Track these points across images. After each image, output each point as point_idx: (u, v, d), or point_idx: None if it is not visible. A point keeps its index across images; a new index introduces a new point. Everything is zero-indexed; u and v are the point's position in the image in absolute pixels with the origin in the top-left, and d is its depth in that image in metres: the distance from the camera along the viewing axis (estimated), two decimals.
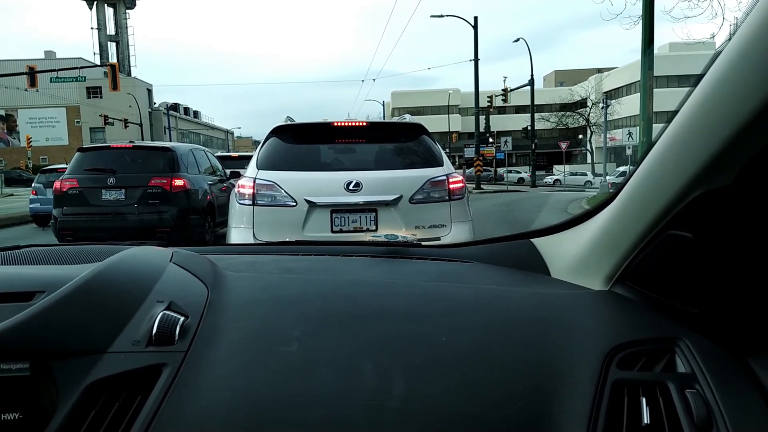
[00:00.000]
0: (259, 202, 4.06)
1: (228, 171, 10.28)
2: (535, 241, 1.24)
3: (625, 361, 0.80)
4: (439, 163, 4.36)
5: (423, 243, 1.44)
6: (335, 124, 4.49)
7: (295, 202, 4.01)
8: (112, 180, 7.66)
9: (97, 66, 48.44)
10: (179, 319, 0.82)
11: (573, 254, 1.09)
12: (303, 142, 4.57)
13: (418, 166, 4.34)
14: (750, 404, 0.71)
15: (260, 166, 4.22)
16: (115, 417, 0.71)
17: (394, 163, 4.47)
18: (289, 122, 4.70)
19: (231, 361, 0.80)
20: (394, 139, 4.66)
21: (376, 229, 4.06)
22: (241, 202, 4.12)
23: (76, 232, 7.78)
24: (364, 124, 4.58)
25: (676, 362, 0.80)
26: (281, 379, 0.77)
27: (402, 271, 1.19)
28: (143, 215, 7.61)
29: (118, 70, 24.43)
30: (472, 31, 30.28)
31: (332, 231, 4.03)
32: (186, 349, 0.79)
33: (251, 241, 3.98)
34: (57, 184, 7.86)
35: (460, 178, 4.38)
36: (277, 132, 4.48)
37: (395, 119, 5.33)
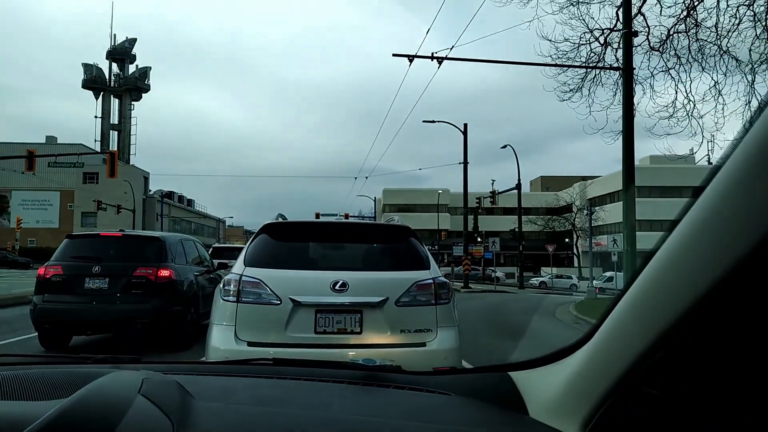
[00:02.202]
0: (243, 299, 4.02)
1: (216, 262, 10.27)
2: (513, 374, 1.23)
3: None
4: (425, 266, 4.37)
5: (402, 368, 1.43)
6: (325, 223, 4.57)
7: (280, 300, 3.98)
8: (97, 268, 7.50)
9: (96, 153, 49.58)
10: None
11: (550, 394, 1.07)
12: (292, 239, 4.62)
13: (405, 268, 4.35)
14: None
15: (248, 263, 4.23)
16: None
17: (381, 264, 4.50)
18: (280, 220, 4.77)
19: None
20: (382, 240, 4.73)
21: (361, 332, 4.00)
22: (225, 298, 4.08)
23: (54, 322, 7.53)
24: (353, 224, 4.67)
25: None
26: None
27: (376, 405, 1.17)
28: (124, 305, 7.41)
29: (117, 158, 25.01)
30: (462, 135, 31.69)
31: (316, 332, 3.96)
32: None
33: (232, 340, 3.93)
34: (41, 270, 7.68)
35: (447, 282, 4.40)
36: (267, 229, 4.54)
37: (383, 220, 5.43)
